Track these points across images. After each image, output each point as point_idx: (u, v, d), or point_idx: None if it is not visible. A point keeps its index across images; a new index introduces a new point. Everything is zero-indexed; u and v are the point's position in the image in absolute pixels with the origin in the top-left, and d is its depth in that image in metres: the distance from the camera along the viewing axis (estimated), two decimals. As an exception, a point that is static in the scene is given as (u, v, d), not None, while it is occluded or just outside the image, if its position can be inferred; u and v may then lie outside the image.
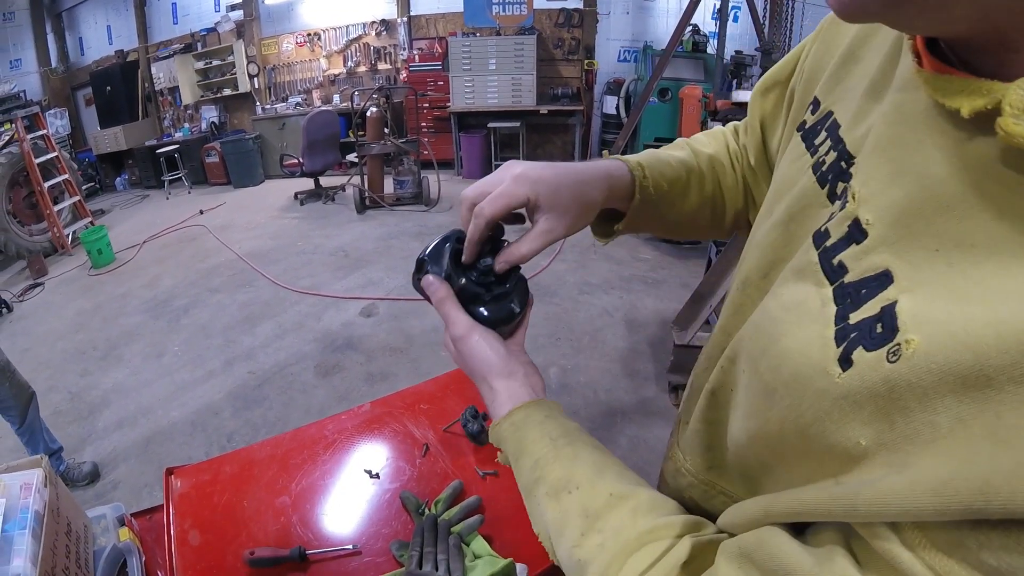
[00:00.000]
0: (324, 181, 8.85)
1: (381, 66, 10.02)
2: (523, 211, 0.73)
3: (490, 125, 8.76)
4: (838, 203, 0.50)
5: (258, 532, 1.36)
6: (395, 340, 4.55)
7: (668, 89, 7.40)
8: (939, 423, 0.33)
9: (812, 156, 0.59)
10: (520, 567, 1.21)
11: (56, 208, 7.85)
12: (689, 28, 7.39)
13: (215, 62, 10.81)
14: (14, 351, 5.14)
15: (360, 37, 10.06)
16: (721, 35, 6.56)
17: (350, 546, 1.30)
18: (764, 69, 5.68)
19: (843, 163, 0.52)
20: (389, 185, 8.09)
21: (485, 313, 0.74)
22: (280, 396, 4.05)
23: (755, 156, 0.88)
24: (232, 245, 7.12)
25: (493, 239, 0.75)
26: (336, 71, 10.37)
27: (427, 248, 0.77)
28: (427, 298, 0.77)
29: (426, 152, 8.03)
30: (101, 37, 11.71)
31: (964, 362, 0.32)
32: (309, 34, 10.33)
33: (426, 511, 1.36)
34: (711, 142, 0.94)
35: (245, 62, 10.55)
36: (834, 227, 0.48)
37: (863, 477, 0.38)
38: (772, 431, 0.49)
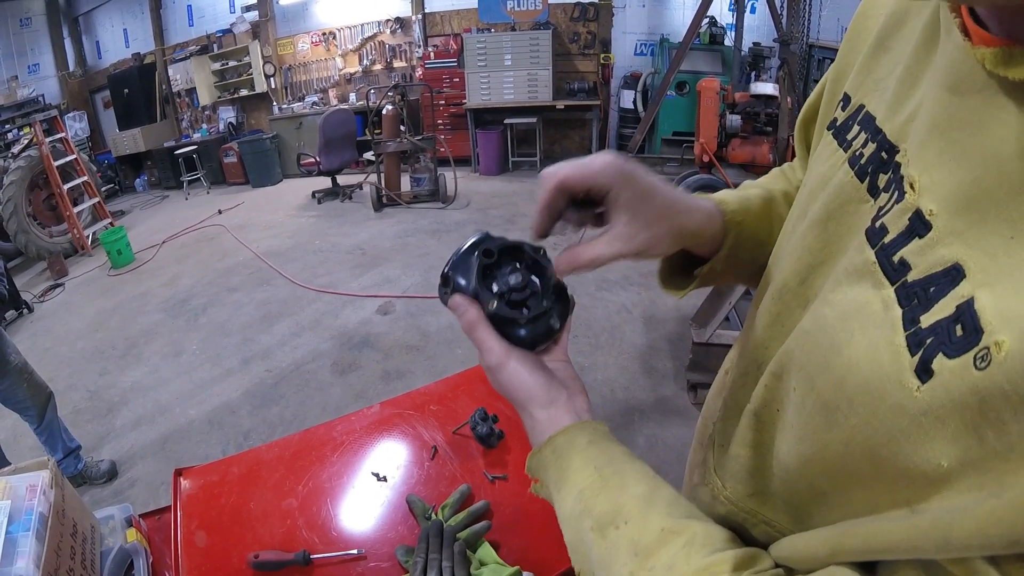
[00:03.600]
0: (341, 179, 8.89)
1: (396, 64, 10.02)
2: (599, 207, 0.67)
3: (506, 121, 8.75)
4: (884, 195, 0.46)
5: (264, 534, 1.34)
6: (411, 338, 4.54)
7: (686, 82, 7.35)
8: None
9: (846, 151, 0.54)
10: (526, 575, 1.18)
11: (76, 210, 7.95)
12: (706, 20, 7.34)
13: (231, 63, 10.89)
14: (35, 350, 5.24)
15: (375, 35, 10.06)
16: (738, 27, 6.51)
17: (355, 551, 1.28)
18: (783, 60, 5.62)
19: (884, 153, 0.48)
20: (406, 183, 8.09)
21: (522, 334, 0.67)
22: (297, 394, 4.06)
23: None
24: (250, 244, 7.16)
25: (536, 253, 0.68)
26: (352, 70, 10.39)
27: (452, 259, 0.69)
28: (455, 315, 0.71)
29: (442, 149, 8.04)
30: (118, 40, 11.82)
31: None
32: (324, 33, 10.35)
33: (433, 516, 1.34)
34: (778, 180, 0.87)
35: (261, 62, 10.59)
36: (892, 221, 0.44)
37: (945, 504, 0.34)
38: (833, 454, 0.45)
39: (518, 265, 0.69)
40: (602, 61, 8.78)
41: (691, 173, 6.13)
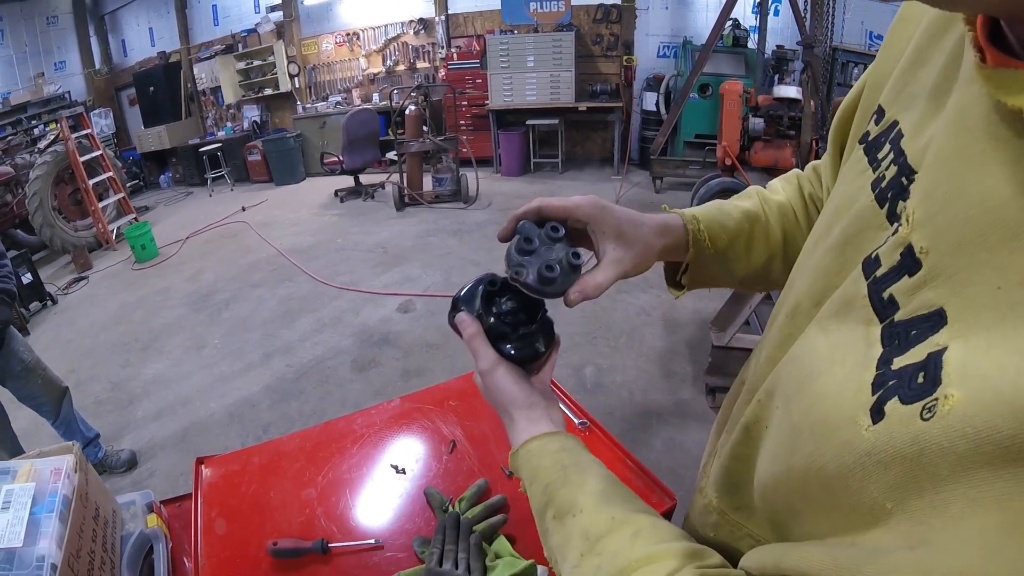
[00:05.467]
0: (364, 179, 8.93)
1: (420, 64, 10.05)
2: (586, 234, 0.77)
3: (529, 122, 8.75)
4: (896, 225, 0.45)
5: (283, 523, 1.36)
6: (431, 336, 4.55)
7: (709, 85, 7.29)
8: (972, 498, 0.29)
9: (874, 171, 0.53)
10: (541, 569, 1.19)
11: (101, 204, 8.03)
12: (729, 22, 7.30)
13: (256, 62, 10.98)
14: (58, 342, 5.33)
15: (399, 36, 10.10)
16: (762, 29, 6.46)
17: (372, 540, 1.29)
18: (806, 63, 5.58)
19: (903, 179, 0.46)
20: (428, 183, 8.10)
21: (511, 351, 0.77)
22: (317, 390, 4.08)
23: None
24: (273, 241, 7.21)
25: (527, 290, 0.73)
26: (375, 70, 10.43)
27: (462, 289, 0.82)
28: (460, 334, 0.79)
29: (464, 150, 8.05)
30: (143, 39, 11.99)
31: (1006, 429, 0.28)
32: (348, 34, 10.40)
33: (450, 508, 1.35)
34: (784, 188, 0.91)
35: (285, 62, 10.68)
36: (885, 254, 0.43)
37: (880, 543, 0.35)
38: (795, 478, 0.46)
39: (515, 298, 0.78)
40: (625, 63, 8.74)
41: (713, 176, 6.10)
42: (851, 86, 0.69)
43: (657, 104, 8.57)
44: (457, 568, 1.13)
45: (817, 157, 5.33)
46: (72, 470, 1.29)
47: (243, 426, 3.81)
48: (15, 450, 3.04)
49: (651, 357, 4.06)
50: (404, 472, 1.50)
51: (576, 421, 1.63)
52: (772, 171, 5.89)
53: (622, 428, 3.33)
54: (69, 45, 11.73)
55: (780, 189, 0.91)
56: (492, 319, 0.77)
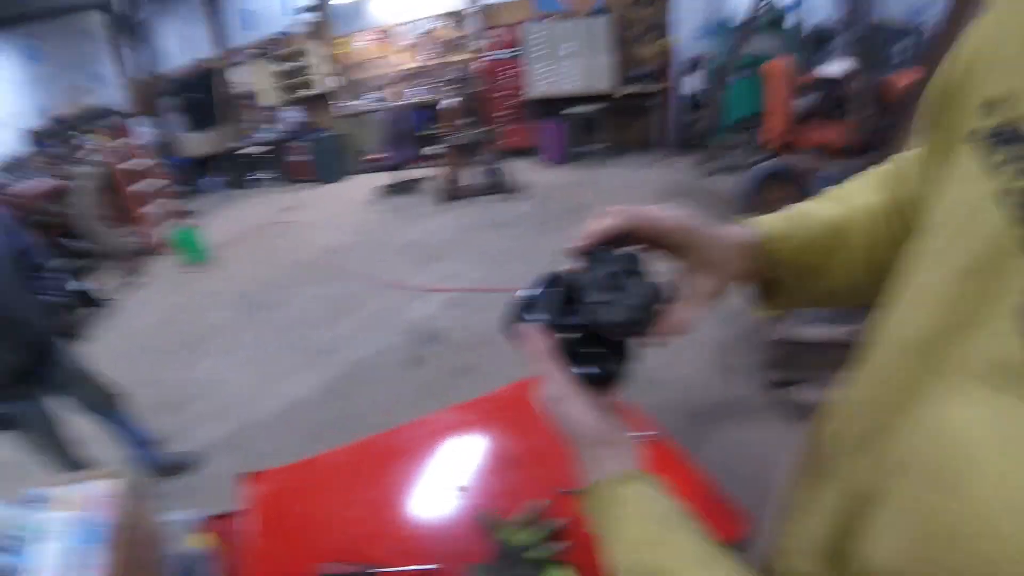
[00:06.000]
0: (404, 174, 8.93)
1: (454, 57, 9.98)
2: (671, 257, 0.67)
3: (568, 110, 8.61)
4: None
5: (329, 544, 1.34)
6: (479, 332, 4.47)
7: (750, 65, 7.11)
8: None
9: (998, 178, 0.40)
10: None
11: (146, 210, 8.19)
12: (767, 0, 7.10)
13: (291, 64, 11.06)
14: (109, 347, 5.40)
15: (431, 30, 10.05)
16: (801, 5, 6.27)
17: (420, 566, 1.25)
18: (848, 40, 5.38)
19: None
20: (469, 176, 8.05)
21: (587, 372, 0.65)
22: (366, 389, 4.04)
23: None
24: (318, 240, 7.27)
25: (604, 333, 0.64)
26: (410, 65, 10.40)
27: (524, 292, 0.70)
28: (520, 346, 0.68)
29: (504, 141, 7.97)
30: (178, 47, 12.22)
31: None
32: (381, 31, 10.40)
33: (503, 532, 1.28)
34: (867, 189, 0.76)
35: (320, 62, 10.74)
36: None
37: None
38: None
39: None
40: (662, 46, 8.58)
41: (760, 160, 5.93)
42: (895, 62, 0.56)
43: (698, 87, 8.38)
44: None
45: (866, 137, 5.17)
46: (119, 495, 1.31)
47: (294, 427, 3.80)
48: (70, 457, 3.06)
49: (709, 350, 3.85)
50: (455, 491, 1.44)
51: (639, 433, 1.53)
52: (821, 152, 5.71)
53: (679, 426, 3.18)
54: (106, 57, 12.05)
55: (863, 190, 0.76)
56: (562, 332, 0.65)
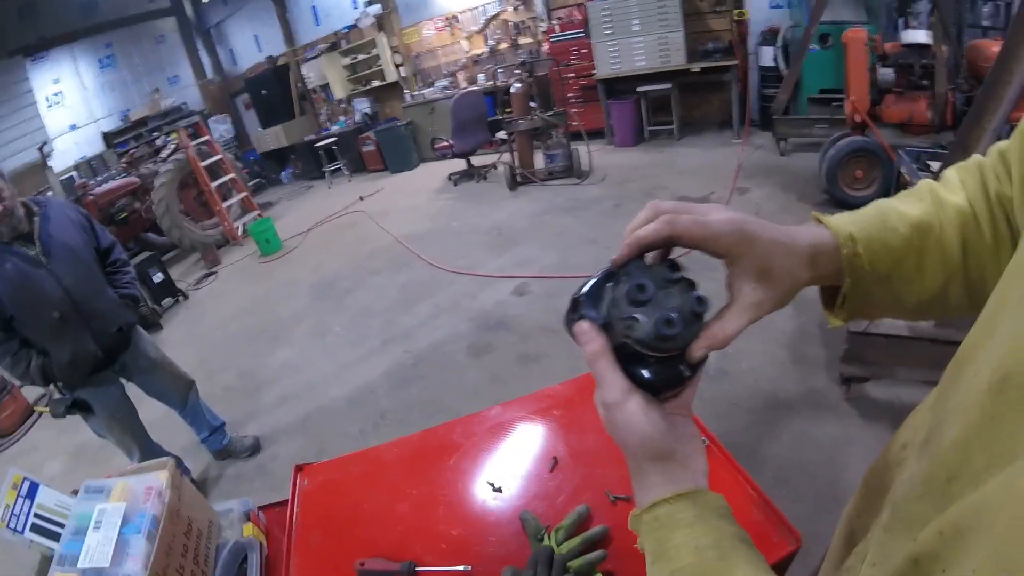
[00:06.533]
0: (475, 160, 8.94)
1: (522, 40, 9.90)
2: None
3: (639, 89, 8.38)
4: None
5: (374, 539, 1.34)
6: (547, 319, 4.39)
7: (829, 34, 6.75)
8: None
9: None
10: None
11: (225, 204, 8.56)
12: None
13: (360, 56, 11.28)
14: (190, 335, 5.62)
15: (498, 14, 10.00)
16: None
17: (461, 567, 1.22)
18: (933, 4, 5.03)
19: None
20: (540, 160, 7.99)
21: (647, 375, 0.58)
22: (434, 375, 4.05)
23: None
24: (390, 228, 7.33)
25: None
26: (478, 51, 10.41)
27: (584, 286, 0.63)
28: (577, 343, 0.61)
29: (575, 123, 7.84)
30: (250, 46, 12.82)
31: None
32: (447, 18, 10.45)
33: (545, 538, 1.22)
34: (963, 184, 0.65)
35: (389, 53, 10.88)
36: None
37: None
38: None
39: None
40: (736, 17, 8.23)
41: (842, 135, 5.61)
42: (984, 27, 0.43)
43: (775, 59, 8.00)
44: None
45: (954, 110, 4.82)
46: (164, 487, 1.34)
47: (362, 411, 3.86)
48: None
49: (780, 340, 3.64)
50: (500, 491, 1.41)
51: None
52: (906, 127, 5.37)
53: (748, 420, 3.03)
54: (180, 60, 12.74)
55: (958, 185, 0.65)
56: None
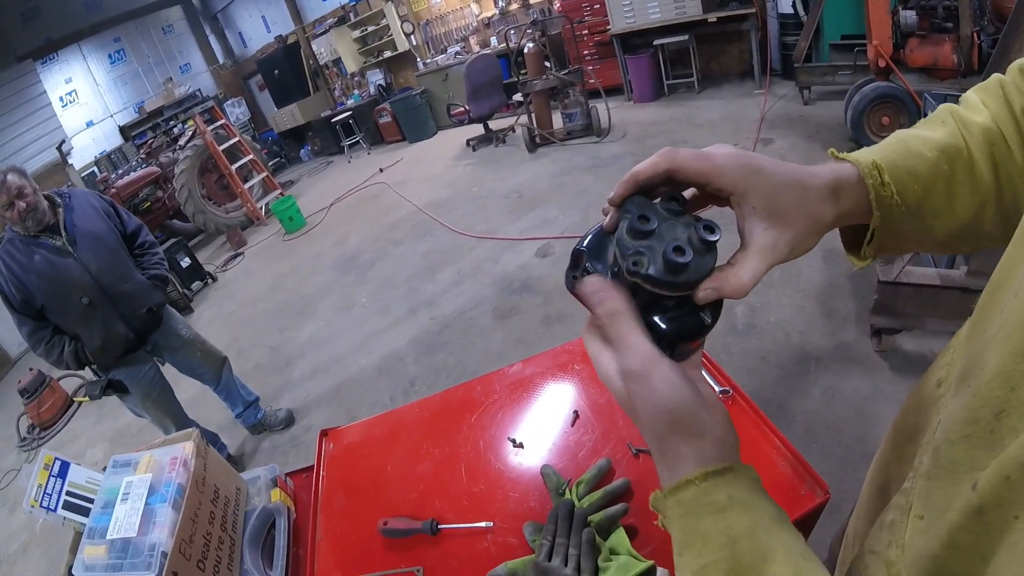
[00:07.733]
0: (493, 124, 8.87)
1: (533, 0, 9.72)
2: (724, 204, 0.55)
3: (656, 42, 8.17)
4: None
5: (397, 499, 1.37)
6: (571, 280, 4.36)
7: (849, -25, 6.55)
8: None
9: None
10: (661, 572, 0.98)
11: (246, 185, 8.65)
12: None
13: (371, 28, 11.18)
14: (220, 315, 5.71)
15: (508, -27, 9.81)
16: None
17: (483, 523, 1.23)
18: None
19: None
20: (558, 120, 7.88)
21: (664, 327, 0.51)
22: (460, 340, 4.07)
23: None
24: (411, 198, 7.33)
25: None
26: (488, 13, 10.26)
27: (586, 237, 0.56)
28: (586, 303, 0.55)
29: (592, 81, 7.72)
30: (259, 27, 12.83)
31: None
32: (458, -19, 10.25)
33: (567, 491, 1.23)
34: (986, 103, 0.59)
35: (399, 22, 10.76)
36: None
37: None
38: None
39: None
40: (753, -37, 8.03)
41: (867, 81, 5.45)
42: None
43: (794, 5, 7.80)
44: (567, 565, 1.01)
45: (980, 52, 4.64)
46: (189, 457, 1.36)
47: (391, 379, 3.90)
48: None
49: (809, 293, 3.57)
50: (522, 446, 1.40)
51: (717, 388, 1.37)
52: (931, 71, 5.20)
53: (777, 375, 2.98)
54: (190, 47, 12.87)
55: (980, 105, 0.59)
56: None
